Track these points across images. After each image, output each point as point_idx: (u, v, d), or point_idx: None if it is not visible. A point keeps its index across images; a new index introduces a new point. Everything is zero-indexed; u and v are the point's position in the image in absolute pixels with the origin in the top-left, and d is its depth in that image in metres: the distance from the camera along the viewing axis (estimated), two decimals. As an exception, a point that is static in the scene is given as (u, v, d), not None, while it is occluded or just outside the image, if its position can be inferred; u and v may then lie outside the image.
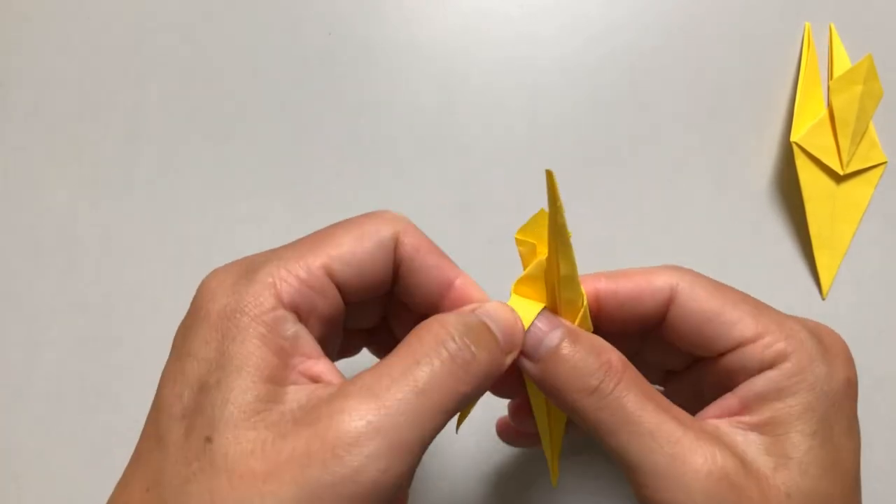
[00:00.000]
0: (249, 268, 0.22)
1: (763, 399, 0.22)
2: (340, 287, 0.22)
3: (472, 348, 0.20)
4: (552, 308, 0.23)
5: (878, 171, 0.35)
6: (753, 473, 0.21)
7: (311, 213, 0.36)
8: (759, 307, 0.23)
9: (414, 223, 0.24)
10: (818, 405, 0.21)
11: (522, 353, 0.22)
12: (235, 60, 0.37)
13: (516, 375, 0.25)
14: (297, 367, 0.20)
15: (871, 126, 0.35)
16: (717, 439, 0.21)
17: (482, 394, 0.22)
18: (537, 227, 0.24)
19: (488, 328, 0.21)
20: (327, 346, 0.23)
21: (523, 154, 0.36)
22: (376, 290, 0.23)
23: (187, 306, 0.39)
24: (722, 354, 0.23)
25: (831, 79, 0.35)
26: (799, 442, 0.21)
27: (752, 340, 0.22)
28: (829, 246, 0.35)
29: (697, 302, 0.23)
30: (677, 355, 0.26)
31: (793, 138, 0.34)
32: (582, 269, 0.26)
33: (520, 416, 0.28)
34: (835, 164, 0.34)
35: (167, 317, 0.35)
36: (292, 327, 0.21)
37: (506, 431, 0.29)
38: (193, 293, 0.39)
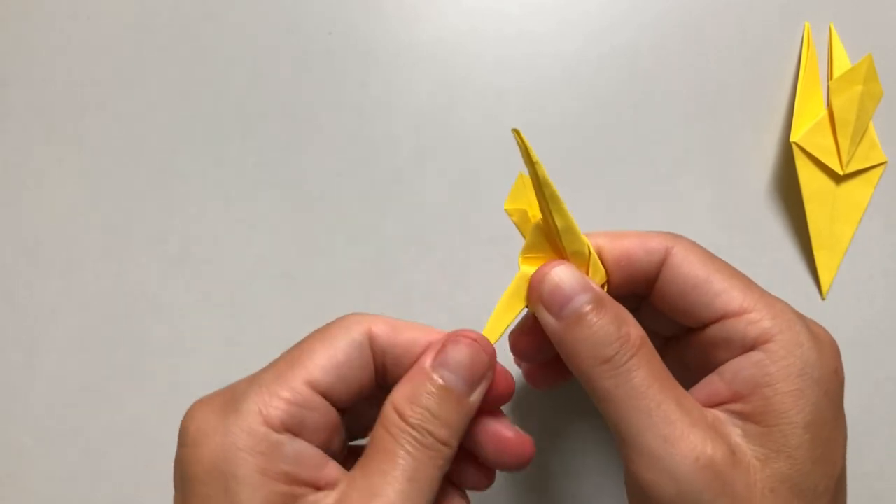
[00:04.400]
0: (232, 399, 0.22)
1: (752, 385, 0.22)
2: (327, 396, 0.22)
3: (430, 427, 0.21)
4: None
5: (877, 171, 0.35)
6: (742, 466, 0.21)
7: (311, 212, 0.36)
8: (748, 284, 0.23)
9: (378, 315, 0.24)
10: (809, 394, 0.21)
11: (546, 307, 0.22)
12: (235, 60, 0.37)
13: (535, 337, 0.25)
14: (307, 482, 0.21)
15: (871, 126, 0.35)
16: (712, 428, 0.21)
17: (458, 444, 0.22)
18: (523, 192, 0.24)
19: (444, 392, 0.22)
20: (336, 449, 0.24)
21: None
22: (363, 391, 0.24)
23: (187, 307, 0.39)
24: (707, 325, 0.23)
25: (831, 79, 0.35)
26: (790, 434, 0.21)
27: (737, 314, 0.22)
28: (829, 246, 0.35)
29: (687, 267, 0.23)
30: (668, 323, 0.26)
31: (793, 138, 0.34)
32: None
33: (534, 378, 0.28)
34: (834, 165, 0.34)
35: (167, 317, 0.35)
36: (290, 448, 0.21)
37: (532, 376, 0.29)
38: (192, 293, 0.38)
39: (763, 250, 0.35)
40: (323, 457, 0.22)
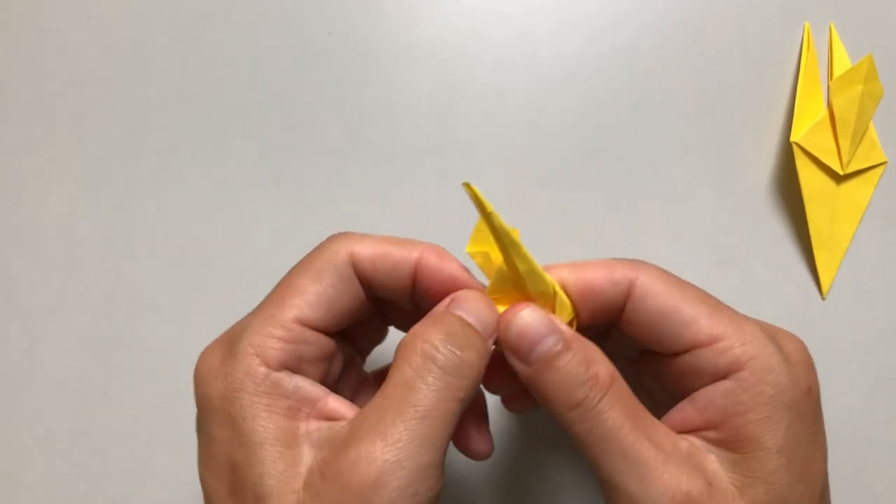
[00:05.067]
0: (231, 344, 0.23)
1: (723, 413, 0.22)
2: (320, 328, 0.23)
3: (458, 353, 0.21)
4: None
5: (878, 171, 0.35)
6: (719, 497, 0.21)
7: (311, 212, 0.36)
8: (717, 308, 0.23)
9: (362, 236, 0.25)
10: (781, 419, 0.21)
11: (514, 353, 0.22)
12: (235, 60, 0.37)
13: (504, 370, 0.25)
14: (310, 415, 0.22)
15: (871, 126, 0.35)
16: (686, 461, 0.21)
17: (477, 388, 0.22)
18: (484, 234, 0.24)
19: (467, 324, 0.22)
20: (336, 371, 0.25)
21: (523, 154, 0.36)
22: (358, 313, 0.24)
23: (187, 306, 0.39)
24: (678, 354, 0.23)
25: (831, 79, 0.35)
26: (765, 459, 0.21)
27: (707, 344, 0.22)
28: (829, 246, 0.35)
29: (654, 298, 0.23)
30: (638, 348, 0.26)
31: (793, 138, 0.34)
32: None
33: (511, 404, 0.28)
34: (835, 164, 0.34)
35: (167, 317, 0.35)
36: (290, 383, 0.22)
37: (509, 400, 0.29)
38: (193, 293, 0.38)
39: (763, 250, 0.35)
40: (323, 390, 0.22)
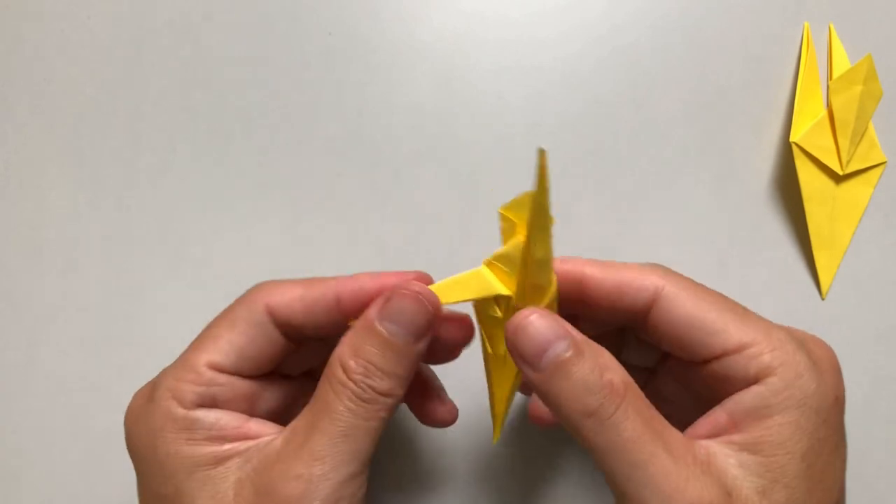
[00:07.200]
0: (152, 389, 0.24)
1: (751, 416, 0.22)
2: (234, 372, 0.24)
3: (374, 384, 0.22)
4: (520, 291, 0.23)
5: (877, 171, 0.35)
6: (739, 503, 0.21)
7: (311, 212, 0.36)
8: (745, 316, 0.23)
9: (283, 284, 0.25)
10: (807, 424, 0.21)
11: (523, 359, 0.22)
12: (235, 60, 0.37)
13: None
14: (233, 438, 0.23)
15: (871, 126, 0.35)
16: (706, 471, 0.21)
17: (404, 391, 0.23)
18: (522, 207, 0.24)
19: (387, 345, 0.22)
20: (267, 406, 0.26)
21: (524, 155, 0.36)
22: (279, 357, 0.25)
23: (186, 306, 0.39)
24: (707, 361, 0.23)
25: (831, 79, 0.35)
26: (787, 463, 0.21)
27: (737, 351, 0.22)
28: (829, 246, 0.35)
29: (681, 307, 0.23)
30: (655, 354, 0.26)
31: (792, 138, 0.34)
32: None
33: (537, 417, 0.28)
34: (834, 165, 0.34)
35: (167, 317, 0.35)
36: (207, 417, 0.23)
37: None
38: (192, 293, 0.39)
39: (763, 250, 0.35)
40: (243, 417, 0.24)
